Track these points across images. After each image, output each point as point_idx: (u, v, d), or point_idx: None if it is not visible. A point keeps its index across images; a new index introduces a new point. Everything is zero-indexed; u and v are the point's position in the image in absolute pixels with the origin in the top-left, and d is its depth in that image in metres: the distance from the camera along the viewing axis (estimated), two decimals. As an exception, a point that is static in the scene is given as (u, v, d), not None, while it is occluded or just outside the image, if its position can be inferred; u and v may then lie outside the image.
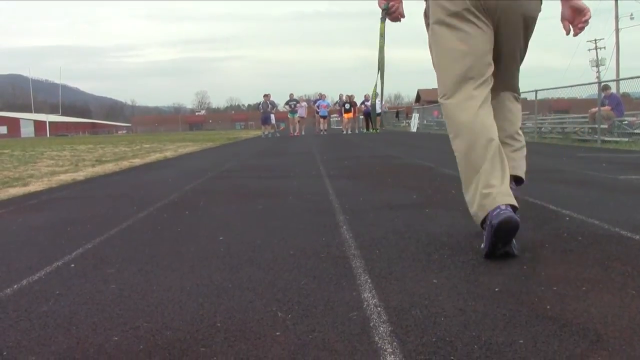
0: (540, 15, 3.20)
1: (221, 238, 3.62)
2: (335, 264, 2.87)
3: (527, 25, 3.13)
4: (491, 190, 2.85)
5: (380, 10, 3.38)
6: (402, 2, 3.35)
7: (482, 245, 2.91)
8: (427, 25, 3.26)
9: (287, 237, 3.59)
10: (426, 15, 3.27)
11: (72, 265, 3.07)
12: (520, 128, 3.51)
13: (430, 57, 3.28)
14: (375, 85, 3.54)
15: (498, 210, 2.76)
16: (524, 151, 3.44)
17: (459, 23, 3.02)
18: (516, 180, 3.32)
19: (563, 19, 3.15)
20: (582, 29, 3.14)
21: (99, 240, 3.69)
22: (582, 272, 2.57)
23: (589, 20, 3.11)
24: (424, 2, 3.28)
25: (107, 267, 3.00)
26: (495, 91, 3.20)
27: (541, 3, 3.14)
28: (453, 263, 2.81)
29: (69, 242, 3.67)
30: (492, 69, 3.12)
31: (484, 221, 2.89)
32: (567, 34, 3.15)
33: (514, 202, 2.85)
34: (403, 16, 3.39)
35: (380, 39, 3.40)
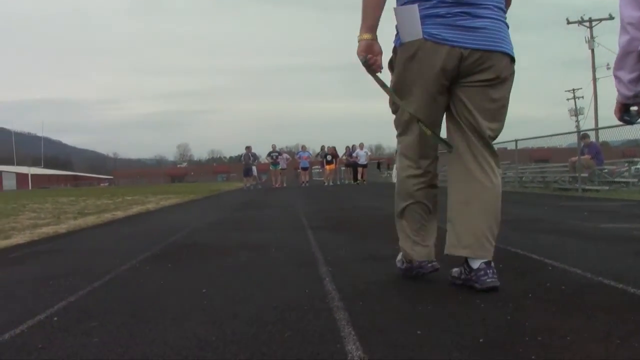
0: (520, 67, 3.33)
1: (204, 291, 3.60)
2: (318, 317, 2.86)
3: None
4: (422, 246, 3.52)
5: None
6: (381, 54, 3.39)
7: (401, 265, 3.71)
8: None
9: (271, 289, 3.58)
10: (391, 66, 3.49)
11: (55, 318, 3.04)
12: (502, 178, 3.71)
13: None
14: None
15: (426, 263, 3.52)
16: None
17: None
18: None
19: None
20: None
21: (81, 294, 3.66)
22: (566, 322, 2.58)
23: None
24: (392, 54, 3.46)
25: (90, 320, 2.97)
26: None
27: (512, 63, 3.32)
28: (437, 314, 2.81)
29: (51, 296, 3.63)
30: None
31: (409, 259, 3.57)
32: None
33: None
34: (381, 68, 3.42)
35: (385, 88, 3.48)
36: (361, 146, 32.90)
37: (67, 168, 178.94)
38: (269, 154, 33.15)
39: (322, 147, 34.58)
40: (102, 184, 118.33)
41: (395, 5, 3.35)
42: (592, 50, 45.95)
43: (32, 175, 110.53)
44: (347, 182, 34.48)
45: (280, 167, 32.68)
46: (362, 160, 32.72)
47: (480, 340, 2.34)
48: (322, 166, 35.10)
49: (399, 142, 3.62)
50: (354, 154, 32.77)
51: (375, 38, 3.36)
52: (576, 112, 60.53)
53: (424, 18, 3.17)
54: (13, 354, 2.44)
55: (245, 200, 17.11)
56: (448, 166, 3.46)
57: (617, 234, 5.79)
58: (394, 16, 3.33)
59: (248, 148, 31.93)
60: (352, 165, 33.24)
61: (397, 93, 3.41)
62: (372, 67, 3.37)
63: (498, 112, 3.35)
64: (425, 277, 3.58)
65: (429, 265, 3.51)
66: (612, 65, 3.19)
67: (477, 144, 3.32)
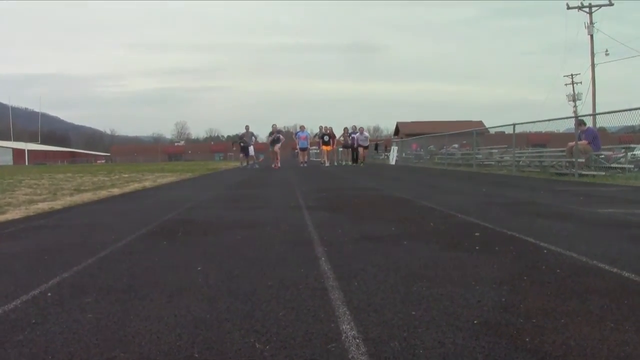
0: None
1: (199, 268, 3.60)
2: (313, 296, 2.86)
3: None
4: None
5: None
6: None
7: None
8: None
9: (266, 268, 3.58)
10: None
11: (49, 294, 3.04)
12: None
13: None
14: None
15: None
16: None
17: None
18: None
19: None
20: None
21: (76, 269, 3.66)
22: (560, 305, 2.59)
23: None
24: None
25: (84, 296, 2.97)
26: None
27: None
28: (432, 295, 2.81)
29: (46, 271, 3.63)
30: None
31: None
32: None
33: None
34: None
35: None
36: (361, 130, 32.89)
37: (65, 144, 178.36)
38: (270, 135, 33.04)
39: (320, 128, 34.45)
40: (99, 161, 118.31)
41: None
42: (591, 36, 45.70)
43: (29, 150, 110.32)
44: (344, 163, 34.42)
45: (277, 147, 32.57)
46: (365, 143, 32.73)
47: (475, 322, 2.35)
48: (320, 147, 35.02)
49: None
50: (354, 136, 32.71)
51: None
52: (574, 98, 60.29)
53: None
54: (6, 329, 2.44)
55: (242, 179, 17.08)
56: None
57: (612, 219, 5.79)
58: None
59: (247, 127, 31.81)
60: (351, 147, 33.18)
61: None
62: None
63: None
64: (422, 257, 3.58)
65: None
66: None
67: None
